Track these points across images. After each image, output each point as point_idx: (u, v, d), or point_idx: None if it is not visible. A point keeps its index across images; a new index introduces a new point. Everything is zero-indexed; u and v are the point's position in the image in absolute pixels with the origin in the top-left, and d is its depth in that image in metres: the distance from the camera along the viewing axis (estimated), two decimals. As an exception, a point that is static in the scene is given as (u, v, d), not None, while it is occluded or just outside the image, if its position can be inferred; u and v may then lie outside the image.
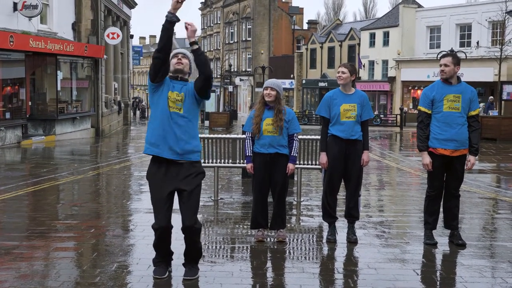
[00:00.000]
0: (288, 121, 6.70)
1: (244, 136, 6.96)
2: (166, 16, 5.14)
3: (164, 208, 5.16)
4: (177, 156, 5.18)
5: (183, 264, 5.50)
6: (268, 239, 6.89)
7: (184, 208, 5.20)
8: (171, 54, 5.38)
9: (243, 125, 7.13)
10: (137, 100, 54.22)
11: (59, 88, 23.03)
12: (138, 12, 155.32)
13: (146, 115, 51.69)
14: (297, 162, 8.42)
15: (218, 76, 63.93)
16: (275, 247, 6.61)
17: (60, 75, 23.17)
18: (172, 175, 5.20)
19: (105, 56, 26.84)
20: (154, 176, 5.25)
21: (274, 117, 6.63)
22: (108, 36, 26.97)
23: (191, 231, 5.23)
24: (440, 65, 6.60)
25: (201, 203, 7.00)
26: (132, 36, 38.80)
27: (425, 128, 6.66)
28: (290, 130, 6.73)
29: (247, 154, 6.83)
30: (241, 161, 9.52)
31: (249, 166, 6.79)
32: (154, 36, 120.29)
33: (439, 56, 7.11)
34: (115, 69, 31.69)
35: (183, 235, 5.31)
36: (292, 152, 6.75)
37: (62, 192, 10.68)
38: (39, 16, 21.13)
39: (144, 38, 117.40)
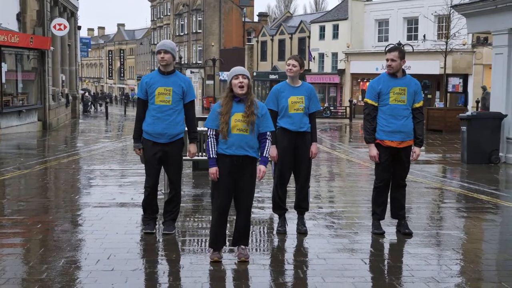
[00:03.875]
0: (261, 117, 5.71)
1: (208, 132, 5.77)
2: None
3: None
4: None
5: (163, 223, 6.89)
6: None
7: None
8: (156, 50, 6.67)
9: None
10: (85, 92, 50.05)
11: (3, 81, 22.38)
12: (86, 3, 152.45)
13: (89, 109, 45.40)
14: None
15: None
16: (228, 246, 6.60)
17: (4, 67, 22.51)
18: None
19: (51, 48, 26.23)
20: None
21: (246, 111, 5.61)
22: (54, 27, 26.33)
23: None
24: (387, 60, 6.71)
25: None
26: (80, 28, 37.98)
27: (372, 120, 6.78)
28: (262, 128, 5.73)
29: (211, 156, 5.66)
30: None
31: (214, 170, 5.62)
32: (103, 28, 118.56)
33: (386, 49, 7.21)
34: (62, 61, 31.02)
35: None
36: (264, 153, 5.74)
37: (8, 187, 10.41)
38: (-19, 6, 20.49)
39: (92, 29, 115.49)
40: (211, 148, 5.66)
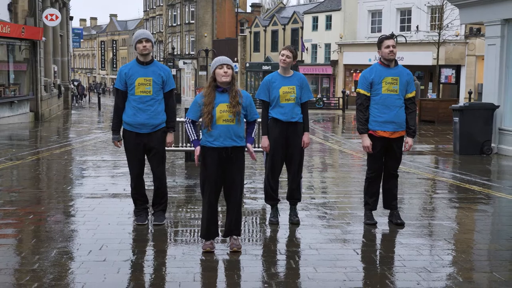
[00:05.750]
0: (246, 107, 5.74)
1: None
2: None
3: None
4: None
5: (153, 214, 6.88)
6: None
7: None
8: (135, 40, 6.56)
9: (186, 109, 7.03)
10: (72, 83, 47.06)
11: (-5, 71, 22.31)
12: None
13: (74, 102, 43.10)
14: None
15: (161, 60, 63.12)
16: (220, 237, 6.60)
17: (-4, 57, 22.43)
18: None
19: (43, 38, 26.08)
20: None
21: (231, 101, 5.60)
22: (46, 17, 26.17)
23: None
24: (388, 46, 6.67)
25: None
26: (72, 18, 37.77)
27: (365, 110, 6.77)
28: (250, 117, 5.83)
29: (193, 138, 5.79)
30: (184, 144, 9.46)
31: (198, 149, 5.70)
32: (95, 18, 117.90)
33: (379, 38, 7.11)
34: (54, 52, 30.87)
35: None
36: (252, 134, 5.94)
37: (0, 178, 10.37)
38: (-28, -4, 20.33)
39: (84, 20, 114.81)
40: (191, 131, 5.81)
